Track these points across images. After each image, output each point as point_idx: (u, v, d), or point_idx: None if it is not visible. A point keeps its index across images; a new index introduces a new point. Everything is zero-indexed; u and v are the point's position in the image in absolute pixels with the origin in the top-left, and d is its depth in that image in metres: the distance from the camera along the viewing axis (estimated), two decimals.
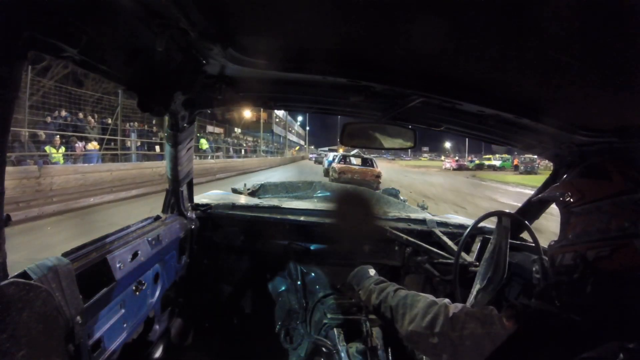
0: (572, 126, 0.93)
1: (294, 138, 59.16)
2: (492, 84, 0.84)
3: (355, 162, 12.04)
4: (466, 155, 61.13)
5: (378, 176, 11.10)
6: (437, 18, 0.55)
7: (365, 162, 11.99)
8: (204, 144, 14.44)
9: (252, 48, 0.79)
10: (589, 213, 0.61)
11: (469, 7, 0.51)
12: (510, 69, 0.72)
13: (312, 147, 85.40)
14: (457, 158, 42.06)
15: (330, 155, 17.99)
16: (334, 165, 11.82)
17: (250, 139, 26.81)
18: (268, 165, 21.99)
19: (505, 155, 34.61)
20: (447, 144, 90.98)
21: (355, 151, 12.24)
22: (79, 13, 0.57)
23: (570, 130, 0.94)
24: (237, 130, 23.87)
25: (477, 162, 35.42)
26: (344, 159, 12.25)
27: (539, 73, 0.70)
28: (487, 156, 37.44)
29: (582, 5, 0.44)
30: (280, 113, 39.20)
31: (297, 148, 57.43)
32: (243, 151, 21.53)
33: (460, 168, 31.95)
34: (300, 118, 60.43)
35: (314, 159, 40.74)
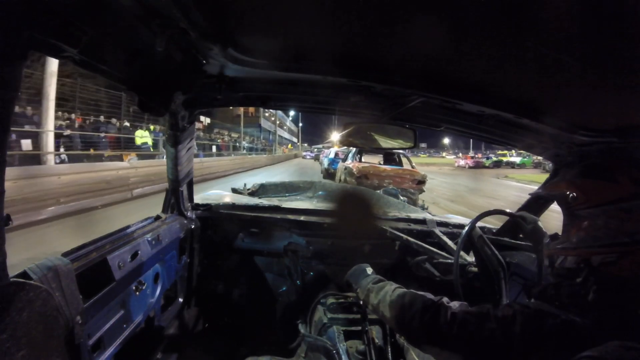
0: (572, 126, 0.93)
1: (286, 135, 55.91)
2: (492, 84, 0.84)
3: (375, 160, 7.93)
4: (470, 151, 59.03)
5: (421, 182, 6.81)
6: (437, 18, 0.55)
7: (391, 158, 7.56)
8: (141, 137, 9.55)
9: (252, 48, 0.79)
10: (595, 217, 0.59)
11: (469, 7, 0.51)
12: (510, 69, 0.72)
13: (306, 144, 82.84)
14: (472, 155, 38.40)
15: (331, 151, 12.83)
16: (350, 165, 7.40)
17: (235, 135, 22.46)
18: (249, 166, 16.63)
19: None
20: (446, 140, 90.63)
21: None
22: (79, 13, 0.57)
23: (570, 130, 0.94)
24: (205, 120, 17.88)
25: (494, 159, 32.54)
26: (360, 154, 7.78)
27: (539, 73, 0.70)
28: (503, 152, 34.31)
29: (582, 5, 0.44)
30: None
31: (290, 145, 52.97)
32: (215, 148, 15.92)
33: (477, 166, 29.18)
34: (292, 113, 56.23)
35: (308, 156, 37.42)
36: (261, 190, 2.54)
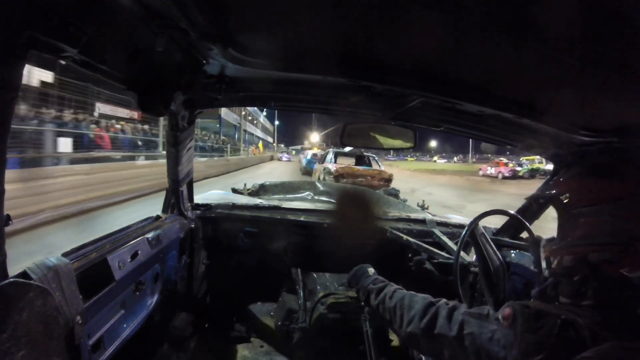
0: (572, 126, 0.93)
1: (259, 133, 46.29)
2: (492, 84, 0.84)
3: (350, 162, 9.14)
4: (470, 156, 55.37)
5: (389, 180, 8.20)
6: (437, 18, 0.55)
7: (362, 160, 9.02)
8: None
9: (252, 48, 0.79)
10: (590, 215, 0.59)
11: (469, 7, 0.51)
12: (510, 69, 0.72)
13: (282, 145, 74.16)
14: (504, 160, 22.67)
15: (309, 153, 14.51)
16: (329, 166, 8.71)
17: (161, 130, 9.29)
18: (152, 187, 6.40)
19: None
20: (433, 144, 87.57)
21: (349, 148, 7.87)
22: (79, 13, 0.57)
23: (570, 130, 0.94)
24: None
25: (528, 167, 20.56)
26: (335, 157, 9.09)
27: (539, 73, 0.70)
28: (531, 157, 20.40)
29: (582, 5, 0.44)
30: None
31: (260, 145, 36.60)
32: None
33: (514, 176, 19.20)
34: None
35: (285, 158, 33.93)
36: (261, 190, 2.54)
